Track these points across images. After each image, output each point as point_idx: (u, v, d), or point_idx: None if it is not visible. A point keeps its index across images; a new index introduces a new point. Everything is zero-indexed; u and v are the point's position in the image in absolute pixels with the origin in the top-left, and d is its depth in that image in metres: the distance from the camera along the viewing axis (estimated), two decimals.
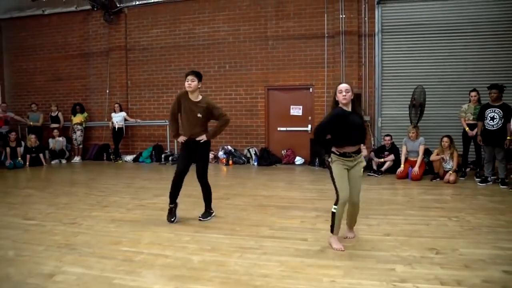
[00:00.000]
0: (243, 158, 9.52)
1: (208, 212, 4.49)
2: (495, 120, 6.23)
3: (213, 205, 4.60)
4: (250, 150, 9.60)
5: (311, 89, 9.39)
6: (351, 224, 3.73)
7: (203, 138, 4.23)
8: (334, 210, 3.41)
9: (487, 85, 6.53)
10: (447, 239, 3.70)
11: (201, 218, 4.38)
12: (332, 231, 3.48)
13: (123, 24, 10.08)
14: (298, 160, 9.35)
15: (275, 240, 3.70)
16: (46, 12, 10.57)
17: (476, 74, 8.21)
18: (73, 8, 9.84)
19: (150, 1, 9.80)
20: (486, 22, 8.23)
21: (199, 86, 4.17)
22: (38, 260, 3.24)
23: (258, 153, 9.50)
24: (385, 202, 5.32)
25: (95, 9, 9.70)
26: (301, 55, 9.32)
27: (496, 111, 6.24)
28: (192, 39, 9.78)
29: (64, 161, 9.79)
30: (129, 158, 9.91)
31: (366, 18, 8.83)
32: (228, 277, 2.89)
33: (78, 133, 9.96)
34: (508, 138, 6.10)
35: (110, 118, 9.86)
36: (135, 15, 10.04)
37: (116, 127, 9.63)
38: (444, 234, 3.85)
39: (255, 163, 9.24)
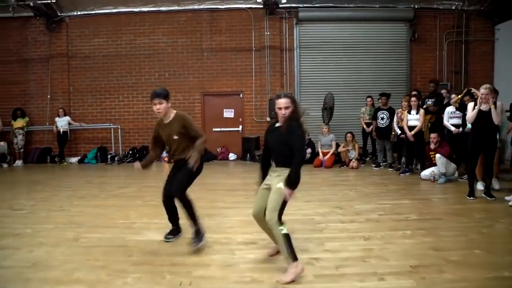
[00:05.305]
0: None
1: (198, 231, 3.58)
2: (384, 120, 8.34)
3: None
4: None
5: (241, 94, 10.90)
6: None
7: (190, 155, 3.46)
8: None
9: (379, 92, 8.71)
10: (348, 201, 5.45)
11: (195, 243, 3.50)
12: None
13: (64, 33, 10.49)
14: (232, 156, 10.79)
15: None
16: None
17: (370, 83, 10.48)
18: (9, 14, 9.90)
19: (92, 13, 10.39)
20: (377, 43, 10.59)
21: (169, 106, 3.62)
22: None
23: None
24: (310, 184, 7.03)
25: (38, 17, 10.03)
26: (232, 65, 10.76)
27: (384, 113, 8.36)
28: (134, 49, 10.65)
29: (5, 165, 9.97)
30: (73, 160, 10.43)
31: (287, 36, 10.61)
32: None
33: (20, 137, 10.18)
34: (393, 133, 8.27)
35: (53, 122, 10.28)
36: (76, 25, 10.54)
37: (61, 131, 10.11)
38: (346, 198, 5.62)
39: None
